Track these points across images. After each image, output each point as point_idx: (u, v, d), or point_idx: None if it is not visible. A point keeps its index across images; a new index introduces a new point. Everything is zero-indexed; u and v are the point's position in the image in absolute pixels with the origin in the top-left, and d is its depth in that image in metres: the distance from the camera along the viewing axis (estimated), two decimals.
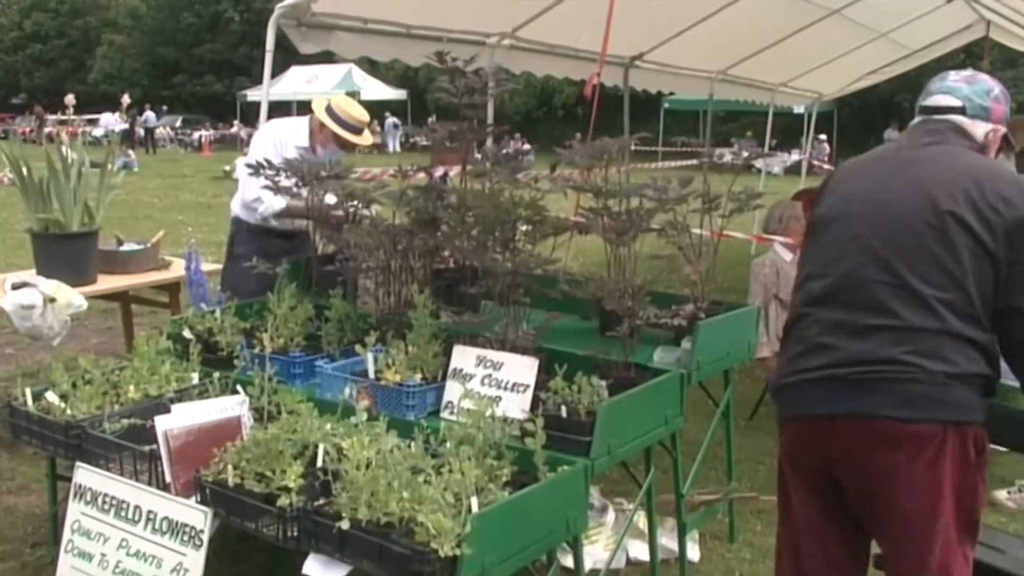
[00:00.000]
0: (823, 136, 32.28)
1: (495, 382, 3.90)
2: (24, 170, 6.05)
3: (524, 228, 4.18)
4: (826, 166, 19.65)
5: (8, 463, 5.79)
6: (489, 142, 4.87)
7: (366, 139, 6.11)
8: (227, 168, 28.66)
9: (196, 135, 47.57)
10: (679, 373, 4.07)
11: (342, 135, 5.86)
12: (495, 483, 3.30)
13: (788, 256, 6.73)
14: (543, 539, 3.34)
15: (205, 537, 3.48)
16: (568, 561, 3.82)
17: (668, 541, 4.67)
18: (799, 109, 18.19)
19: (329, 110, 5.92)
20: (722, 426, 4.86)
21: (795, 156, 23.11)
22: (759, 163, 9.75)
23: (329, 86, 43.37)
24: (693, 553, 4.77)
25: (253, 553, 4.46)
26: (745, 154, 4.86)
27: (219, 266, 6.40)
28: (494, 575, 3.10)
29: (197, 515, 3.51)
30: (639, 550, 4.70)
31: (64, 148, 6.15)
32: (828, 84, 13.99)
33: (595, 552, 4.56)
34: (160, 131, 47.28)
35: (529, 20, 8.46)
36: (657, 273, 4.38)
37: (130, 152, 33.64)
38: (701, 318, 4.26)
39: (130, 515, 3.73)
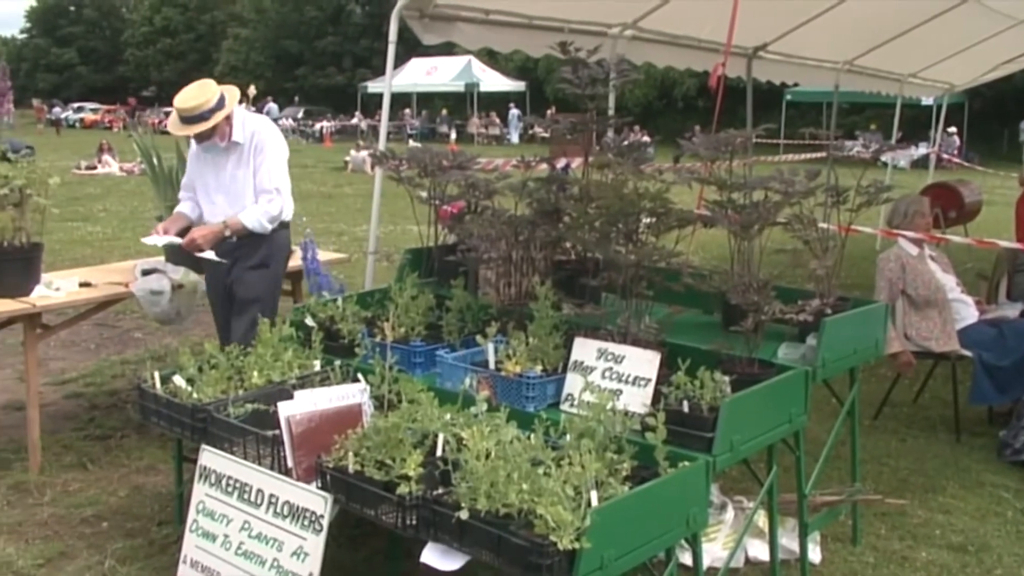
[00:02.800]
0: (953, 129, 31.38)
1: (616, 375, 3.86)
2: (154, 160, 6.21)
3: (648, 220, 4.13)
4: (955, 160, 19.10)
5: (137, 443, 5.95)
6: (610, 133, 4.81)
7: (202, 125, 5.31)
8: (347, 159, 29.14)
9: (318, 126, 48.38)
10: (804, 370, 3.97)
11: (174, 131, 5.51)
12: (615, 477, 3.26)
13: (914, 251, 6.54)
14: (662, 535, 3.29)
15: (325, 522, 3.53)
16: (686, 559, 3.77)
17: (788, 541, 4.57)
18: (928, 100, 17.66)
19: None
20: (846, 425, 4.74)
21: (922, 149, 22.50)
22: (885, 156, 9.48)
23: (448, 77, 43.73)
24: (814, 555, 4.66)
25: (371, 539, 4.50)
26: (874, 147, 4.72)
27: (340, 255, 6.47)
28: (612, 570, 3.06)
29: (318, 500, 3.56)
30: (758, 549, 4.61)
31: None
32: (960, 74, 13.53)
33: (713, 550, 4.49)
34: (282, 122, 48.21)
35: (651, 11, 8.37)
36: (782, 267, 4.29)
37: None
38: (828, 314, 4.15)
39: (253, 498, 3.80)
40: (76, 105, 61.51)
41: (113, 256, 11.26)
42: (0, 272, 5.49)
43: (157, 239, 5.46)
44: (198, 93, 5.33)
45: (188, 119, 5.32)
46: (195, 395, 4.15)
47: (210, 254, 5.38)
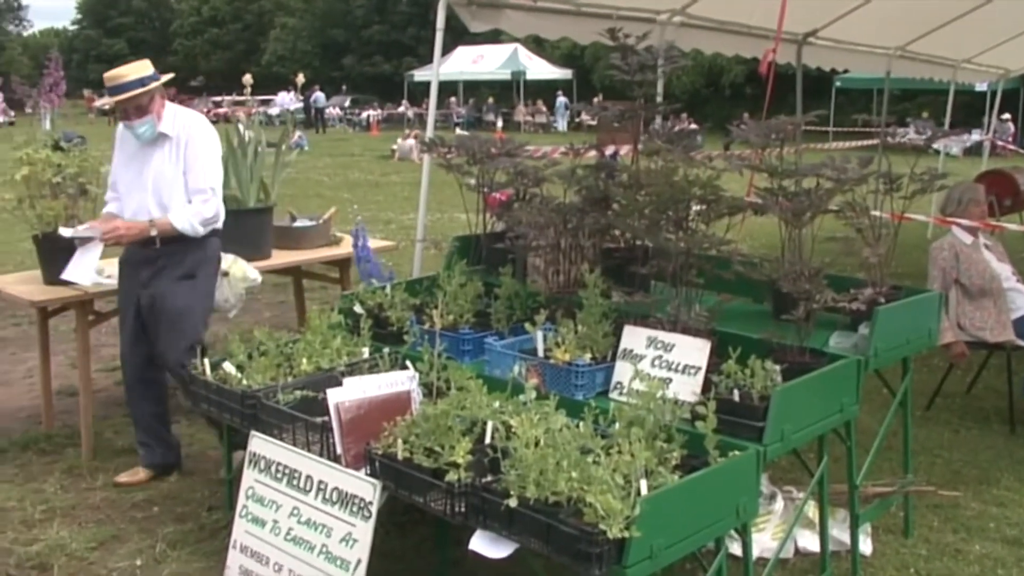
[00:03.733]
0: (1007, 115, 30.86)
1: (666, 364, 3.83)
2: None
3: (698, 208, 4.09)
4: (1010, 147, 18.81)
5: (187, 429, 6.01)
6: (659, 121, 4.78)
7: (122, 95, 4.96)
8: (393, 148, 29.22)
9: (364, 115, 48.55)
10: (856, 359, 3.92)
11: (108, 103, 5.13)
12: (664, 466, 3.25)
13: (968, 239, 6.45)
14: (712, 525, 3.27)
15: (374, 509, 3.54)
16: (735, 549, 3.74)
17: (839, 533, 4.53)
18: (982, 86, 17.42)
19: None
20: (899, 416, 4.68)
21: (976, 136, 22.17)
22: (938, 144, 9.35)
23: (495, 66, 43.69)
24: (865, 546, 4.61)
25: (419, 527, 4.51)
26: (928, 133, 4.66)
27: (388, 243, 6.48)
28: (662, 559, 3.04)
29: (367, 487, 3.57)
30: (808, 540, 4.57)
31: (241, 127, 6.33)
32: (1015, 59, 13.29)
33: (763, 540, 4.45)
34: (329, 111, 48.44)
35: None
36: (833, 256, 4.23)
37: (301, 132, 34.55)
38: (881, 303, 4.10)
39: (302, 484, 3.82)
40: None
41: None
42: (53, 260, 5.55)
43: (72, 231, 5.09)
44: (127, 67, 5.06)
45: (111, 89, 4.99)
46: (244, 381, 4.18)
47: (83, 231, 5.03)
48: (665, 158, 4.26)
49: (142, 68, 5.06)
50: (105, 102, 5.06)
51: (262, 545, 3.97)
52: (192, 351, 4.98)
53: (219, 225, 5.25)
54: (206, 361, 4.36)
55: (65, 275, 5.10)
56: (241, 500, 4.08)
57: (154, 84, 5.01)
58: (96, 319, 5.71)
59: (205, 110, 34.98)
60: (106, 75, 5.03)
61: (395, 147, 29.30)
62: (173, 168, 5.08)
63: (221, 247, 5.40)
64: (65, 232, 5.08)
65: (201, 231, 5.10)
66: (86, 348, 5.62)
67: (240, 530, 4.08)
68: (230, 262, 5.62)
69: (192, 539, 4.65)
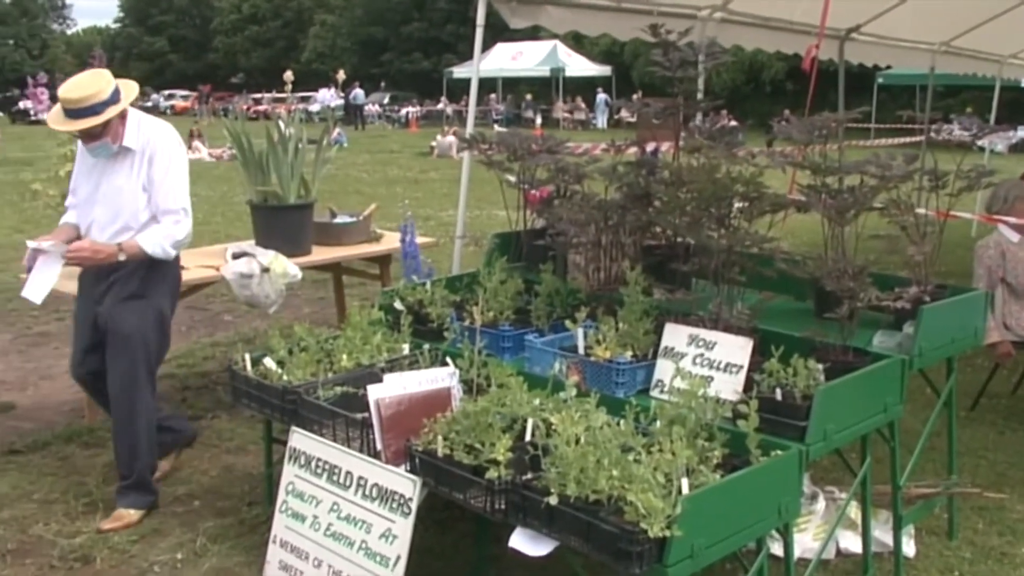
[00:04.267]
0: None
1: (707, 362, 3.81)
2: (245, 144, 6.28)
3: (740, 205, 4.06)
4: None
5: (227, 424, 6.04)
6: (699, 117, 4.75)
7: (90, 120, 4.52)
8: (432, 144, 29.28)
9: (403, 112, 48.68)
10: (900, 359, 3.88)
11: (56, 126, 4.69)
12: (706, 465, 3.22)
13: (1015, 237, 6.36)
14: (753, 525, 3.25)
15: (414, 505, 3.54)
16: (777, 549, 3.71)
17: (882, 534, 4.48)
18: None
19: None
20: (943, 416, 4.62)
21: (1021, 133, 21.89)
22: (983, 140, 9.23)
23: (534, 62, 43.63)
24: (909, 548, 4.56)
25: (459, 523, 4.51)
26: (973, 130, 4.60)
27: (428, 239, 6.47)
28: (702, 559, 3.03)
29: (407, 483, 3.57)
30: (850, 541, 4.52)
31: (281, 124, 6.36)
32: None
33: (804, 541, 4.41)
34: (368, 108, 48.61)
35: None
36: (877, 254, 4.19)
37: (340, 129, 34.70)
38: (926, 301, 4.05)
39: (342, 480, 3.83)
40: (167, 92, 62.71)
41: (203, 240, 11.39)
42: None
43: (37, 243, 4.71)
44: (89, 82, 4.57)
45: (75, 112, 4.52)
46: (285, 377, 4.19)
47: (48, 246, 4.66)
48: (707, 155, 4.23)
49: (104, 81, 4.60)
50: (68, 128, 4.62)
51: (302, 540, 3.98)
52: (135, 380, 4.75)
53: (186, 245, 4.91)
54: (247, 356, 4.37)
55: (23, 292, 4.72)
56: (281, 495, 4.10)
57: (110, 113, 4.55)
58: None
59: (245, 106, 35.21)
60: (66, 95, 4.52)
61: (434, 144, 29.37)
62: (133, 183, 4.69)
63: (178, 267, 5.05)
64: (31, 244, 4.71)
65: (172, 253, 4.78)
66: None
67: (280, 525, 4.09)
68: (271, 258, 5.65)
69: (232, 533, 4.67)
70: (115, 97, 4.60)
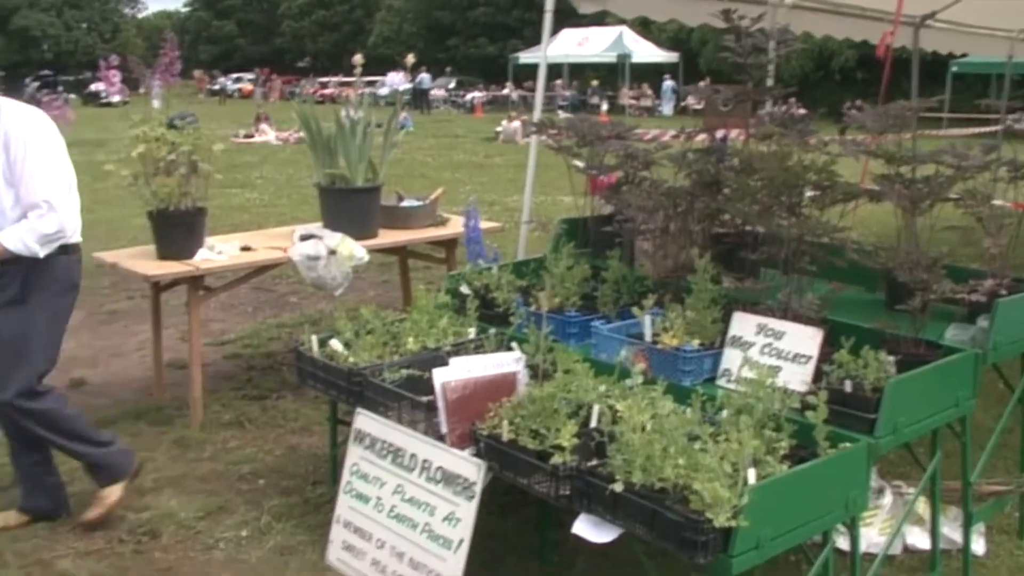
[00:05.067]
0: None
1: (776, 352, 3.77)
2: (314, 127, 6.32)
3: (811, 193, 4.01)
4: None
5: (292, 405, 6.10)
6: (769, 105, 4.70)
7: None
8: (498, 129, 29.28)
9: (468, 97, 48.73)
10: (974, 352, 3.80)
11: None
12: (773, 456, 3.19)
13: None
14: (820, 517, 3.21)
15: (478, 489, 3.54)
16: (843, 543, 3.66)
17: (950, 531, 4.41)
18: None
19: None
20: (1016, 413, 4.52)
21: None
22: None
23: (600, 48, 43.43)
24: (978, 546, 4.48)
25: (521, 508, 4.51)
26: None
27: (493, 224, 6.46)
28: (768, 550, 3.00)
29: (471, 467, 3.57)
30: (917, 537, 4.46)
31: (349, 108, 6.38)
32: None
33: (870, 535, 4.35)
34: (434, 92, 48.72)
35: None
36: (952, 245, 4.11)
37: (406, 113, 34.79)
38: (1002, 295, 3.97)
39: (406, 462, 3.84)
40: (235, 76, 63.34)
41: (269, 222, 11.56)
42: (166, 235, 5.69)
43: None
44: None
45: None
46: (351, 359, 4.21)
47: None
48: (779, 142, 4.18)
49: None
50: None
51: (365, 521, 4.01)
52: (27, 391, 4.36)
53: (70, 240, 4.45)
54: (314, 338, 4.40)
55: None
56: (345, 476, 4.12)
57: None
58: (206, 294, 5.82)
59: (311, 90, 35.48)
60: None
61: (499, 129, 29.36)
62: (0, 179, 4.32)
63: (76, 264, 4.59)
64: None
65: (39, 250, 4.29)
66: (197, 322, 5.73)
67: (344, 506, 4.12)
68: (338, 240, 5.68)
69: (296, 512, 4.72)
70: None
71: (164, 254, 5.68)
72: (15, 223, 4.30)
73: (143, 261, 5.73)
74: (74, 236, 4.48)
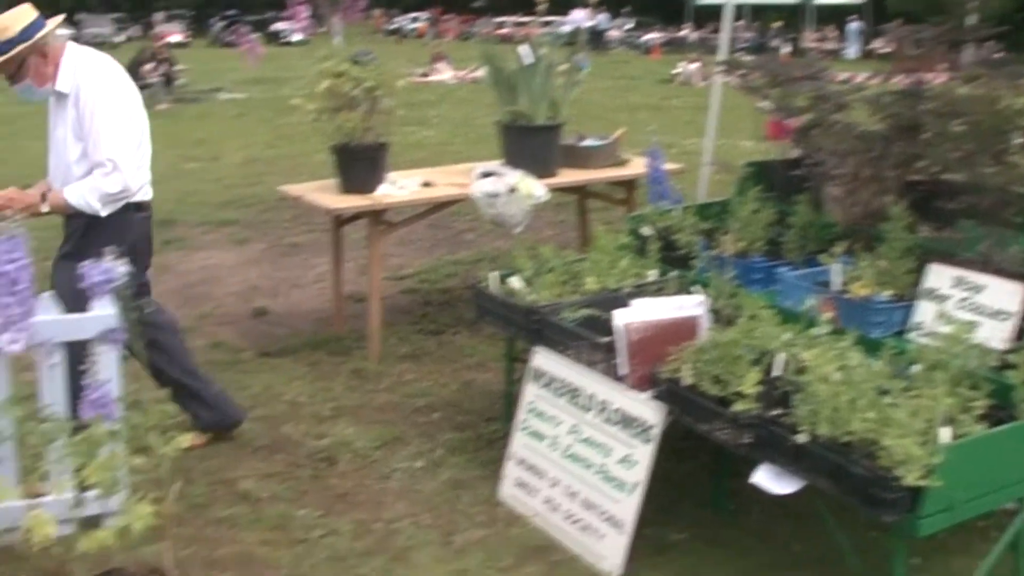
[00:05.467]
0: None
1: (973, 307, 3.59)
2: (495, 65, 6.29)
3: (1021, 140, 3.79)
4: None
5: (468, 340, 6.15)
6: (970, 48, 4.45)
7: None
8: (675, 71, 28.82)
9: (645, 38, 48.02)
10: None
11: None
12: (968, 415, 3.04)
13: None
14: (1017, 483, 3.07)
15: (656, 433, 3.50)
16: None
17: None
18: None
19: None
20: None
21: None
22: None
23: None
24: None
25: (697, 453, 4.44)
26: None
27: (676, 165, 6.33)
28: (960, 513, 2.90)
29: (650, 410, 3.53)
30: None
31: (530, 45, 6.32)
32: None
33: None
34: (610, 33, 48.20)
35: None
36: None
37: (583, 53, 34.48)
38: None
39: (584, 403, 3.83)
40: (412, 15, 63.95)
41: (445, 160, 11.62)
42: (349, 169, 5.77)
43: None
44: (4, 18, 4.22)
45: None
46: (530, 297, 4.21)
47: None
48: (988, 84, 3.95)
49: (21, 17, 4.24)
50: None
51: (539, 459, 4.02)
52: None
53: (136, 199, 4.37)
54: (494, 275, 4.41)
55: None
56: (521, 414, 4.14)
57: (17, 49, 4.19)
58: (387, 229, 5.89)
59: (486, 31, 35.60)
60: None
61: (676, 71, 28.86)
62: (70, 132, 4.29)
63: (139, 223, 4.45)
64: None
65: (100, 209, 4.22)
66: (377, 256, 5.82)
67: (519, 443, 4.14)
68: (518, 178, 5.66)
69: (470, 447, 4.76)
70: (26, 35, 4.20)
71: (346, 188, 5.77)
72: (79, 179, 4.25)
73: (325, 195, 5.83)
74: (141, 194, 4.43)
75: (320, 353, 6.01)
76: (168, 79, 20.76)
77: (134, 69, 20.03)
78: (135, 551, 3.30)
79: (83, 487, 3.30)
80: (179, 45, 37.92)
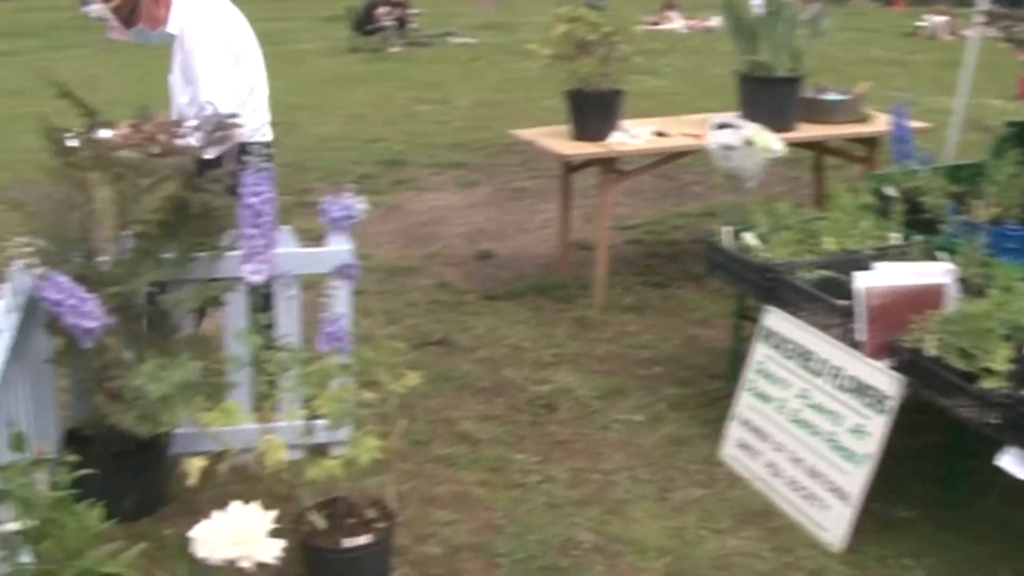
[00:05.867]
0: None
1: None
2: (735, 14, 6.10)
3: None
4: None
5: (693, 295, 6.03)
6: None
7: (104, 7, 4.32)
8: (919, 24, 27.48)
9: None
10: None
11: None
12: None
13: None
14: None
15: (893, 405, 3.34)
16: None
17: None
18: None
19: None
20: None
21: None
22: None
23: None
24: None
25: (932, 429, 4.23)
26: None
27: (922, 124, 6.01)
28: None
29: (888, 380, 3.38)
30: None
31: None
32: None
33: None
34: None
35: None
36: None
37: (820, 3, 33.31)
38: None
39: (816, 367, 3.69)
40: None
41: (674, 110, 11.39)
42: (582, 116, 5.73)
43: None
44: None
45: None
46: (765, 254, 4.08)
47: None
48: None
49: None
50: (97, 13, 4.43)
51: (765, 422, 3.92)
52: None
53: (248, 140, 4.30)
54: (728, 229, 4.29)
55: None
56: (748, 374, 4.03)
57: None
58: (617, 177, 5.83)
59: None
60: None
61: (922, 23, 27.50)
62: (179, 74, 4.40)
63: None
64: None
65: (202, 150, 4.13)
66: (606, 204, 5.77)
67: (744, 404, 4.04)
68: (754, 131, 5.48)
69: (691, 404, 4.68)
70: None
71: (578, 134, 5.73)
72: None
73: (557, 140, 5.81)
74: (258, 136, 4.43)
75: (544, 299, 6.02)
76: (401, 22, 21.13)
77: (368, 12, 20.58)
78: (359, 482, 3.38)
79: (312, 416, 3.41)
80: None
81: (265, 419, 3.66)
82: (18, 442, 2.84)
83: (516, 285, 6.27)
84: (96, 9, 4.28)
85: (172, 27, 4.33)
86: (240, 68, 4.41)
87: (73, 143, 3.77)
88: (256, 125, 4.51)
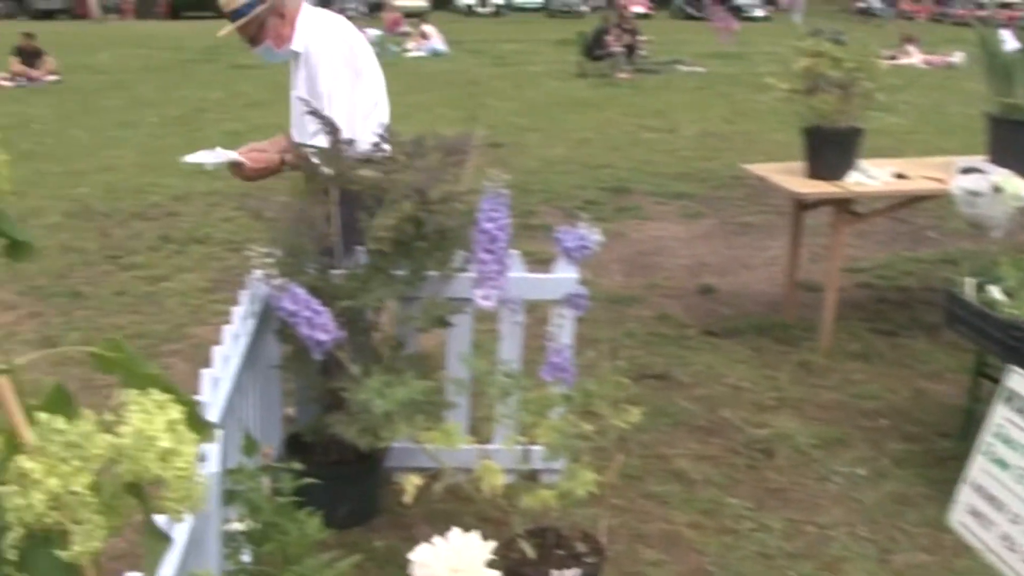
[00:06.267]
0: None
1: None
2: (991, 51, 5.80)
3: None
4: None
5: (924, 346, 5.75)
6: None
7: (236, 23, 4.23)
8: None
9: None
10: None
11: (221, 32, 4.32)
12: None
13: None
14: None
15: None
16: None
17: None
18: None
19: None
20: None
21: None
22: None
23: None
24: None
25: None
26: None
27: None
28: None
29: None
30: None
31: (1014, 30, 5.78)
32: None
33: None
34: None
35: None
36: None
37: None
38: None
39: None
40: None
41: (910, 150, 11.03)
42: (819, 154, 5.56)
43: (204, 155, 4.24)
44: None
45: (228, 16, 4.26)
46: (1013, 311, 3.84)
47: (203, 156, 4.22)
48: None
49: None
50: (224, 32, 4.35)
51: (1001, 490, 3.68)
52: None
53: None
54: (971, 281, 4.07)
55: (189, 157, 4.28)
56: (986, 436, 3.80)
57: (256, 11, 4.21)
58: (851, 219, 5.63)
59: (962, 12, 33.20)
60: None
61: None
62: (302, 91, 4.31)
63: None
64: (193, 158, 4.28)
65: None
66: (838, 246, 5.57)
67: (978, 468, 3.81)
68: (1003, 177, 5.20)
69: (918, 461, 4.45)
70: None
71: (813, 172, 5.56)
72: (311, 137, 4.15)
73: (790, 177, 5.65)
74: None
75: (766, 339, 5.87)
76: (630, 49, 21.22)
77: (598, 37, 20.74)
78: (570, 513, 3.35)
79: (528, 442, 3.40)
80: (642, 16, 38.66)
81: (483, 442, 3.67)
82: (250, 447, 2.93)
83: (738, 322, 6.13)
84: (224, 30, 4.41)
85: (296, 45, 4.34)
86: (362, 82, 4.42)
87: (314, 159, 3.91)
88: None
